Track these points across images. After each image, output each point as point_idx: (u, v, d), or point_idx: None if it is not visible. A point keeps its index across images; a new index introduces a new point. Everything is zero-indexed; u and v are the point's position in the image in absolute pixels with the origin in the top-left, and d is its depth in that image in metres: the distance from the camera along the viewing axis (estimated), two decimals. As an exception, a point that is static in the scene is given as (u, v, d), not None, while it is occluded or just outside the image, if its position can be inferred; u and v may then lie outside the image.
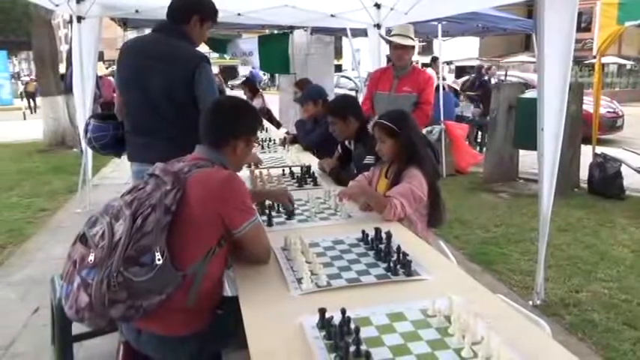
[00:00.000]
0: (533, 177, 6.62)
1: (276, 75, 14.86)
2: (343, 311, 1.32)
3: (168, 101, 2.38)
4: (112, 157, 7.84)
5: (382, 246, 1.84)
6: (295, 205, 2.34)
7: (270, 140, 4.49)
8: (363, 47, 8.57)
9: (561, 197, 5.55)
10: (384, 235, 1.90)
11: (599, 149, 6.17)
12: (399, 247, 1.75)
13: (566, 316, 2.96)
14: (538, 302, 3.08)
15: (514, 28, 8.55)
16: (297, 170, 3.12)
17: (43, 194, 5.98)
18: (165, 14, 2.51)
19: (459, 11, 4.65)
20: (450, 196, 5.66)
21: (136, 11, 5.03)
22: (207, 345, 1.66)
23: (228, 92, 15.36)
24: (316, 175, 3.03)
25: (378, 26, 5.56)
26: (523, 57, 25.26)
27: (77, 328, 2.15)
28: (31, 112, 16.61)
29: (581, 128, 5.85)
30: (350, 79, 16.49)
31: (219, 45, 8.74)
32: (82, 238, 1.52)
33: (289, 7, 5.24)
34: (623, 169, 5.64)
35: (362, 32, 6.67)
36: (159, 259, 1.46)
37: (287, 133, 5.12)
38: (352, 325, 1.27)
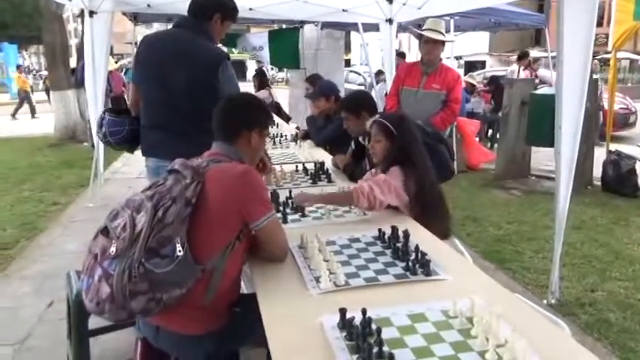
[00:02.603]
0: (545, 174, 6.58)
1: (284, 70, 14.82)
2: (364, 312, 1.31)
3: (189, 98, 2.38)
4: (123, 152, 7.93)
5: (399, 245, 1.82)
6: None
7: (281, 136, 4.47)
8: (371, 42, 8.53)
9: (575, 195, 5.50)
10: (400, 234, 1.88)
11: (612, 146, 6.10)
12: (417, 247, 1.74)
13: (581, 315, 2.93)
14: (553, 301, 3.06)
15: (526, 23, 8.44)
16: (310, 167, 3.10)
17: (54, 188, 6.02)
18: (187, 10, 2.51)
19: (472, 7, 4.60)
20: (462, 192, 5.64)
21: (148, 6, 5.02)
22: (225, 343, 1.66)
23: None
24: (330, 171, 3.01)
25: (390, 21, 5.53)
26: (534, 52, 25.00)
27: (93, 323, 2.18)
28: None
29: (596, 125, 5.78)
30: (359, 74, 16.39)
31: (229, 40, 8.69)
32: (104, 231, 1.53)
33: (301, 2, 5.22)
34: (638, 166, 5.57)
35: (371, 27, 6.64)
36: (179, 251, 1.47)
37: (297, 128, 5.11)
38: (374, 326, 1.26)
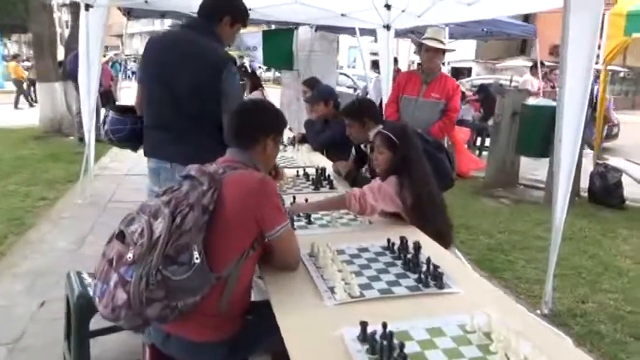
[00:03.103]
0: (532, 183, 6.69)
1: (272, 69, 14.70)
2: (384, 325, 1.31)
3: (193, 99, 2.36)
4: (110, 147, 7.81)
5: (410, 256, 1.83)
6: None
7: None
8: (362, 46, 8.54)
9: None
10: (410, 245, 1.90)
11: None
12: (429, 259, 1.75)
13: (574, 326, 2.98)
14: (546, 312, 3.11)
15: (516, 33, 8.60)
16: (311, 172, 3.10)
17: (41, 182, 5.90)
18: (197, 11, 2.49)
19: (473, 18, 4.65)
20: (453, 200, 5.67)
21: (145, 1, 4.97)
22: (237, 351, 1.66)
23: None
24: (332, 177, 3.01)
25: (388, 27, 5.56)
26: (519, 61, 25.41)
27: (91, 323, 2.15)
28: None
29: (584, 137, 5.90)
30: (348, 77, 16.43)
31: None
32: (119, 236, 1.51)
33: (300, 4, 5.21)
34: (624, 178, 5.70)
35: (363, 32, 6.67)
36: (197, 258, 1.47)
37: (290, 129, 5.09)
38: (396, 341, 1.26)
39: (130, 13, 7.18)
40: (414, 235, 2.10)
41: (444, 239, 2.26)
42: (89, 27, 4.75)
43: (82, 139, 6.31)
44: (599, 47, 5.52)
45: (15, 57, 17.63)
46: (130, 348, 2.46)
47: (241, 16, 2.56)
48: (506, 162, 6.48)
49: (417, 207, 2.26)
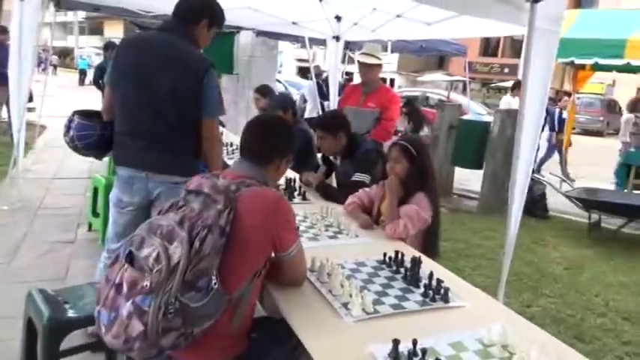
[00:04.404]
0: (464, 193, 7.09)
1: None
2: (415, 342, 1.35)
3: (173, 103, 2.26)
4: (31, 147, 7.19)
5: (409, 271, 1.88)
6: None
7: (231, 145, 4.35)
8: (286, 51, 8.62)
9: (495, 215, 6.02)
10: (406, 259, 1.96)
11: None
12: (431, 273, 1.81)
13: (525, 330, 3.20)
14: (500, 317, 3.30)
15: (448, 50, 9.09)
16: (280, 182, 3.07)
17: (-46, 186, 5.30)
18: (172, 12, 2.39)
19: (431, 37, 4.87)
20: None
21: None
22: (244, 370, 1.60)
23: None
24: (303, 189, 3.00)
25: (337, 38, 5.65)
26: (438, 75, 26.92)
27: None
28: None
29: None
30: (280, 82, 16.43)
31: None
32: (128, 259, 1.41)
33: (252, 10, 5.15)
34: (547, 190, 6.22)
35: (313, 41, 6.73)
36: (214, 283, 1.41)
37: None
38: (430, 359, 1.30)
39: (59, 4, 6.70)
40: (402, 247, 2.17)
41: (432, 250, 2.39)
42: (23, 19, 4.38)
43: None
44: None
45: None
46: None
47: (219, 19, 2.50)
48: (443, 173, 6.81)
49: (433, 220, 2.41)
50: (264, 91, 4.71)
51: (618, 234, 5.50)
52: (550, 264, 4.47)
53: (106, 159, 3.58)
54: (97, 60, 24.58)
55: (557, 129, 8.46)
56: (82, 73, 24.71)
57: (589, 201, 5.47)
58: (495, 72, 31.09)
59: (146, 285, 1.34)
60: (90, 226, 4.26)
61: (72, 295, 2.12)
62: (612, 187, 6.97)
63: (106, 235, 2.63)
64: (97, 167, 5.85)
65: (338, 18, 5.38)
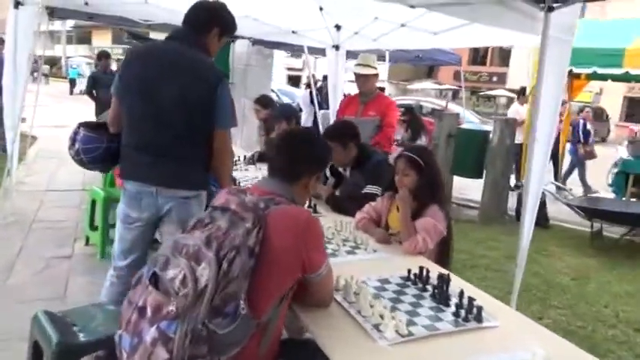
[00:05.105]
0: (463, 202, 7.07)
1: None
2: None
3: (182, 112, 2.18)
4: (23, 159, 7.02)
5: (436, 289, 1.81)
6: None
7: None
8: (277, 61, 8.58)
9: (496, 224, 6.00)
10: (432, 275, 1.89)
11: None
12: (462, 292, 1.74)
13: (540, 344, 3.14)
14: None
15: (444, 60, 9.11)
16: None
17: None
18: (183, 21, 2.32)
19: (436, 46, 4.84)
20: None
21: (86, 4, 4.56)
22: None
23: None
24: (313, 201, 2.93)
25: (337, 47, 5.60)
26: (427, 83, 27.16)
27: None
28: None
29: (513, 159, 6.42)
30: (273, 91, 16.36)
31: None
32: (152, 280, 1.32)
33: (251, 19, 5.08)
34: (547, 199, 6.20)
35: (312, 50, 6.68)
36: (242, 308, 1.32)
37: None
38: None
39: (52, 14, 6.59)
40: (423, 261, 2.11)
41: (446, 261, 2.34)
42: (17, 27, 4.27)
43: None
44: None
45: None
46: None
47: (230, 29, 2.44)
48: (442, 182, 6.78)
49: (448, 229, 2.38)
50: (264, 101, 4.65)
51: (620, 242, 5.49)
52: (556, 274, 4.43)
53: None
54: (88, 69, 24.43)
55: (582, 140, 8.26)
56: (72, 83, 24.46)
57: (591, 210, 5.46)
58: (484, 80, 31.45)
59: (172, 310, 1.25)
60: (87, 240, 4.14)
61: (80, 317, 2.01)
62: (609, 194, 7.00)
63: (111, 251, 2.53)
64: (90, 179, 5.73)
65: (338, 27, 5.33)
